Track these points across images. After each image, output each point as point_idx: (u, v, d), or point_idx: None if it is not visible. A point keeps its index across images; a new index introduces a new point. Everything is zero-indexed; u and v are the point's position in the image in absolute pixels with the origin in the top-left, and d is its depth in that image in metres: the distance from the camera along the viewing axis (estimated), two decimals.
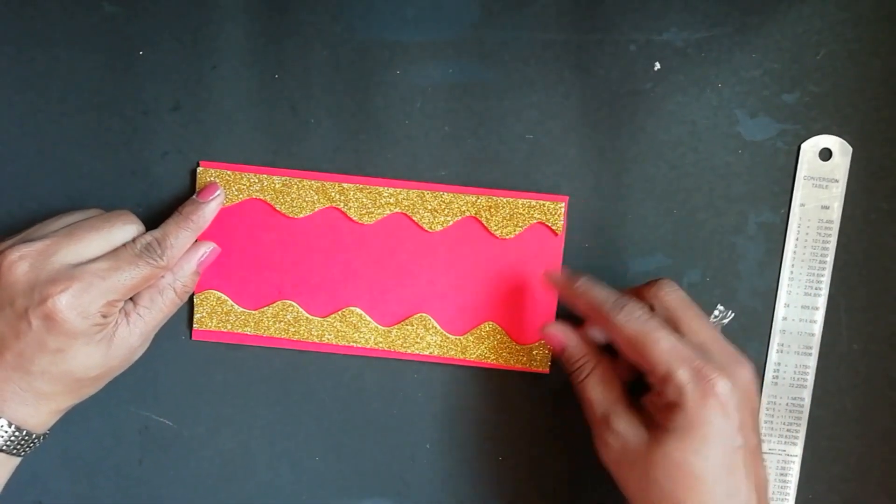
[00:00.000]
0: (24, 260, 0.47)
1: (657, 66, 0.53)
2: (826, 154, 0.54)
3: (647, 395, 0.49)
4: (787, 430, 0.55)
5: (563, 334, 0.52)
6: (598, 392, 0.49)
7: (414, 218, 0.54)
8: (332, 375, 0.56)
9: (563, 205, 0.53)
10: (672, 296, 0.49)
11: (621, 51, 0.53)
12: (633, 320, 0.47)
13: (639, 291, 0.51)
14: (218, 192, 0.53)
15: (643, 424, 0.47)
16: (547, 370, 0.55)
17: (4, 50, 0.54)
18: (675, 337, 0.47)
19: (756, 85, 0.53)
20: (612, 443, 0.48)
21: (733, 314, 0.53)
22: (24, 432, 0.48)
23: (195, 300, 0.55)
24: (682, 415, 0.45)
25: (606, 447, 0.48)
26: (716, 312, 0.52)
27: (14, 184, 0.54)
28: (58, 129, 0.54)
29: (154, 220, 0.54)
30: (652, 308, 0.49)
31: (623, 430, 0.48)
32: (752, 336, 0.55)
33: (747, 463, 0.45)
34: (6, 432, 0.48)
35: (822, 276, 0.55)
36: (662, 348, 0.46)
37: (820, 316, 0.55)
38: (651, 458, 0.46)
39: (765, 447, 0.56)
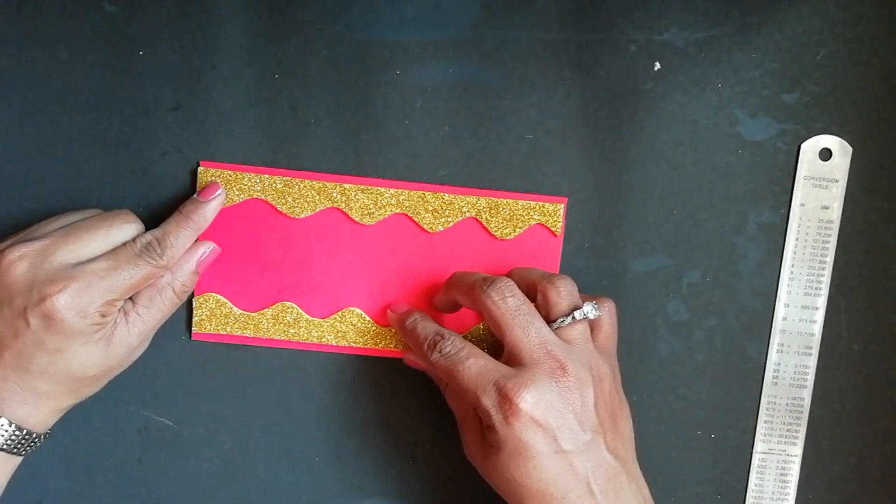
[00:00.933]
0: (22, 259, 0.47)
1: (657, 65, 0.54)
2: (826, 154, 0.54)
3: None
4: (787, 430, 0.55)
5: (417, 360, 0.53)
6: (454, 402, 0.52)
7: (415, 219, 0.54)
8: (331, 376, 0.56)
9: (562, 206, 0.53)
10: (499, 306, 0.49)
11: (621, 51, 0.53)
12: (443, 357, 0.49)
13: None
14: (219, 192, 0.52)
15: (484, 437, 0.49)
16: None
17: (4, 50, 0.54)
18: (483, 361, 0.48)
19: (756, 85, 0.53)
20: (467, 450, 0.51)
21: (597, 313, 0.51)
22: (25, 431, 0.48)
23: (194, 303, 0.54)
24: (495, 434, 0.46)
25: (464, 446, 0.51)
26: (580, 307, 0.50)
27: (14, 184, 0.54)
28: (58, 129, 0.54)
29: (154, 220, 0.54)
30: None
31: (469, 437, 0.50)
32: (752, 336, 0.55)
33: (582, 462, 0.46)
34: (6, 431, 0.48)
35: (822, 276, 0.55)
36: (469, 375, 0.47)
37: (820, 316, 0.55)
38: (487, 467, 0.48)
39: (765, 447, 0.56)
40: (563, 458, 0.46)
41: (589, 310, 0.49)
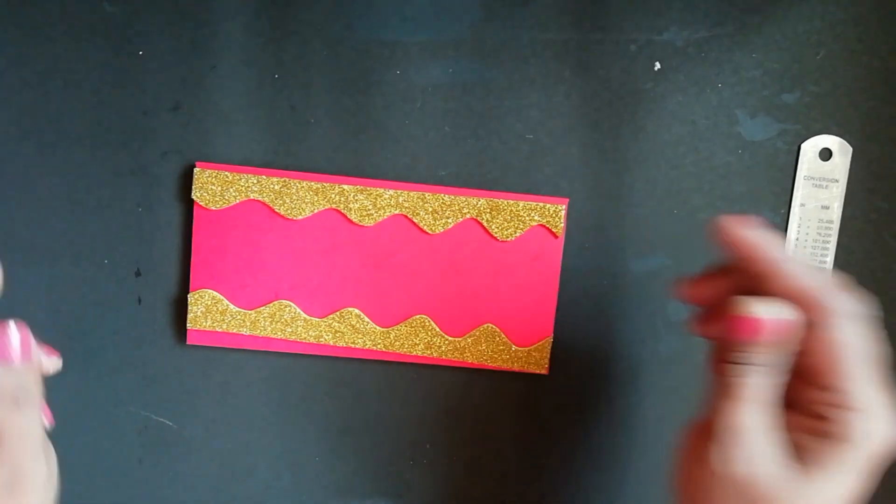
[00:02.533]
0: None
1: (657, 65, 0.54)
2: (826, 154, 0.54)
3: (810, 420, 0.39)
4: None
5: (774, 318, 0.39)
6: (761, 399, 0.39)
7: (414, 220, 0.53)
8: (331, 376, 0.56)
9: (563, 207, 0.53)
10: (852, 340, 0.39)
11: (622, 50, 0.53)
12: (849, 332, 0.39)
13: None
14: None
15: (789, 452, 0.39)
16: (546, 371, 0.55)
17: (4, 50, 0.54)
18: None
19: (756, 85, 0.53)
20: (738, 460, 0.38)
21: None
22: None
23: (189, 299, 0.54)
24: (852, 454, 0.38)
25: (722, 463, 0.38)
26: None
27: (14, 184, 0.54)
28: (57, 129, 0.54)
29: (153, 220, 0.54)
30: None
31: (761, 451, 0.38)
32: None
33: None
34: None
35: None
36: (863, 381, 0.38)
37: None
38: (790, 491, 0.37)
39: None
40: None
41: None
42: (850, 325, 0.39)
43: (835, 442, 0.38)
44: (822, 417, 0.38)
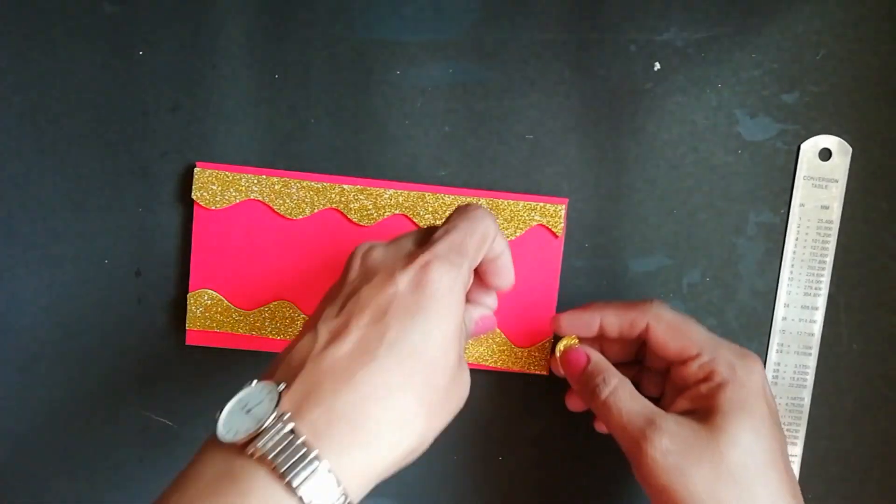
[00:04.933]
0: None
1: (657, 66, 0.54)
2: (826, 154, 0.54)
3: (680, 394, 0.47)
4: (787, 430, 0.55)
5: (589, 352, 0.49)
6: (633, 401, 0.46)
7: (414, 220, 0.53)
8: None
9: (563, 207, 0.53)
10: (670, 311, 0.48)
11: (621, 51, 0.53)
12: (667, 309, 0.48)
13: (630, 307, 0.49)
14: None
15: (693, 417, 0.44)
16: (546, 372, 0.55)
17: (4, 50, 0.54)
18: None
19: (756, 85, 0.53)
20: (669, 444, 0.43)
21: None
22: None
23: (188, 299, 0.54)
24: (740, 389, 0.44)
25: (661, 452, 0.43)
26: None
27: (14, 184, 0.54)
28: (57, 129, 0.54)
29: (153, 220, 0.54)
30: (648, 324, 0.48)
31: (676, 427, 0.44)
32: (752, 336, 0.55)
33: (785, 458, 0.44)
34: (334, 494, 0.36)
35: (822, 276, 0.55)
36: (702, 331, 0.46)
37: (820, 316, 0.55)
38: (721, 446, 0.42)
39: None
40: (783, 440, 0.45)
41: None
42: (666, 311, 0.47)
43: (718, 390, 0.44)
44: (699, 381, 0.46)
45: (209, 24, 0.54)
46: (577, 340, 0.50)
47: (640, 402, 0.46)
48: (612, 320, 0.48)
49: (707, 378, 0.45)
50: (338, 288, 0.41)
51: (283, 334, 0.55)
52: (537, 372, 0.55)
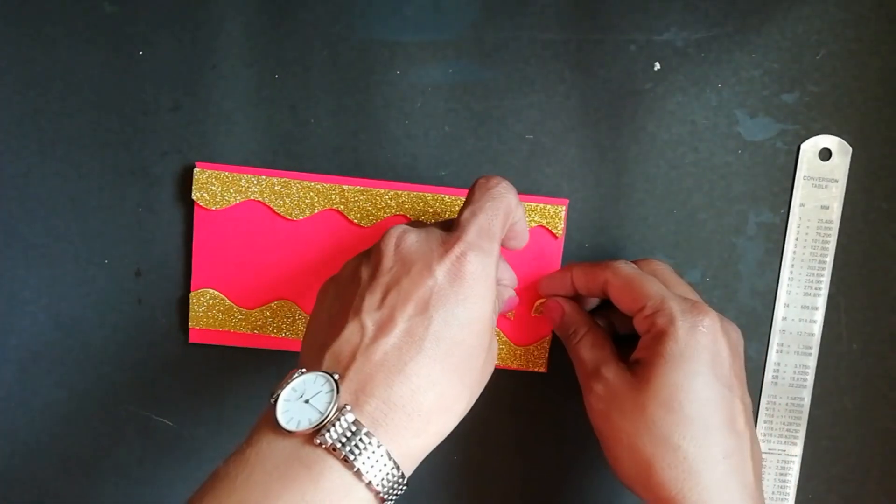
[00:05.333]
0: None
1: (657, 65, 0.54)
2: (826, 154, 0.54)
3: (635, 347, 0.48)
4: (787, 430, 0.56)
5: (560, 303, 0.52)
6: (590, 351, 0.49)
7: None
8: None
9: (563, 208, 0.53)
10: (661, 266, 0.51)
11: (621, 51, 0.53)
12: (626, 266, 0.49)
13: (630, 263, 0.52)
14: None
15: (631, 370, 0.47)
16: (545, 370, 0.55)
17: (4, 50, 0.54)
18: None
19: (756, 85, 0.53)
20: (602, 391, 0.47)
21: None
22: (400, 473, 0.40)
23: (191, 298, 0.54)
24: (674, 342, 0.44)
25: (595, 398, 0.47)
26: None
27: (14, 184, 0.54)
28: (57, 129, 0.54)
29: (153, 219, 0.54)
30: None
31: (612, 376, 0.47)
32: (752, 336, 0.55)
33: (743, 420, 0.45)
34: (388, 472, 0.39)
35: (822, 276, 0.55)
36: (654, 285, 0.47)
37: (820, 316, 0.55)
38: (643, 397, 0.45)
39: (765, 447, 0.56)
40: (733, 408, 0.45)
41: None
42: (623, 267, 0.49)
43: (656, 341, 0.45)
44: (644, 332, 0.47)
45: (209, 24, 0.54)
46: None
47: (597, 351, 0.49)
48: (580, 279, 0.51)
49: (649, 329, 0.46)
50: (373, 273, 0.43)
51: (284, 333, 0.55)
52: (536, 370, 0.55)
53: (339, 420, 0.38)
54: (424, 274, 0.41)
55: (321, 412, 0.38)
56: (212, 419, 0.56)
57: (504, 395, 0.56)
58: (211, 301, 0.54)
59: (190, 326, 0.55)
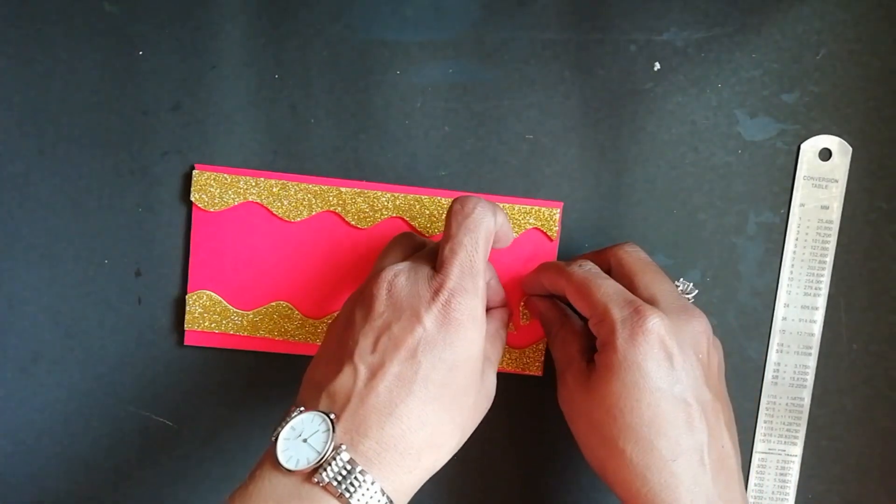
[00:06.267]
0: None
1: (657, 66, 0.53)
2: (826, 154, 0.54)
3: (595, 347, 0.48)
4: (787, 430, 0.55)
5: (538, 301, 0.53)
6: (559, 349, 0.50)
7: (411, 223, 0.53)
8: None
9: (558, 210, 0.53)
10: (630, 256, 0.49)
11: (621, 51, 0.53)
12: (580, 270, 0.48)
13: (600, 253, 0.51)
14: None
15: (589, 374, 0.46)
16: (540, 373, 0.55)
17: (4, 50, 0.54)
18: (620, 286, 0.47)
19: (756, 85, 0.53)
20: (562, 392, 0.48)
21: (696, 290, 0.52)
22: None
23: (187, 299, 0.54)
24: (614, 353, 0.44)
25: (560, 398, 0.49)
26: (676, 283, 0.51)
27: (14, 184, 0.54)
28: (57, 129, 0.54)
29: (153, 220, 0.54)
30: (610, 268, 0.50)
31: (570, 379, 0.47)
32: (752, 336, 0.55)
33: (698, 417, 0.44)
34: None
35: (822, 276, 0.55)
36: (604, 291, 0.46)
37: (820, 316, 0.55)
38: (589, 403, 0.45)
39: (765, 447, 0.56)
40: (682, 409, 0.44)
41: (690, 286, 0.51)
42: (576, 271, 0.48)
43: (602, 351, 0.45)
44: (596, 339, 0.46)
45: (209, 24, 0.54)
46: None
47: (565, 349, 0.50)
48: (547, 281, 0.51)
49: (598, 337, 0.46)
50: (366, 317, 0.44)
51: (280, 335, 0.55)
52: (532, 373, 0.55)
53: (335, 459, 0.40)
54: (413, 321, 0.43)
55: (318, 451, 0.41)
56: (211, 419, 0.56)
57: (500, 397, 0.55)
58: (208, 303, 0.54)
59: (185, 329, 0.55)
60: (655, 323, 0.44)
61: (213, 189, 0.53)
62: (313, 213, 0.54)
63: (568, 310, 0.53)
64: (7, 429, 0.56)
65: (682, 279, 0.51)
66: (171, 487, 0.57)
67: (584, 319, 0.48)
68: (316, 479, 0.40)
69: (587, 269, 0.48)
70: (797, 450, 0.56)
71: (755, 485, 0.56)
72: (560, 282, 0.49)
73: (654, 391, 0.43)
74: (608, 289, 0.46)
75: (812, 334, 0.55)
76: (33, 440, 0.56)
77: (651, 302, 0.46)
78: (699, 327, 0.46)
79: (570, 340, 0.50)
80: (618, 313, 0.45)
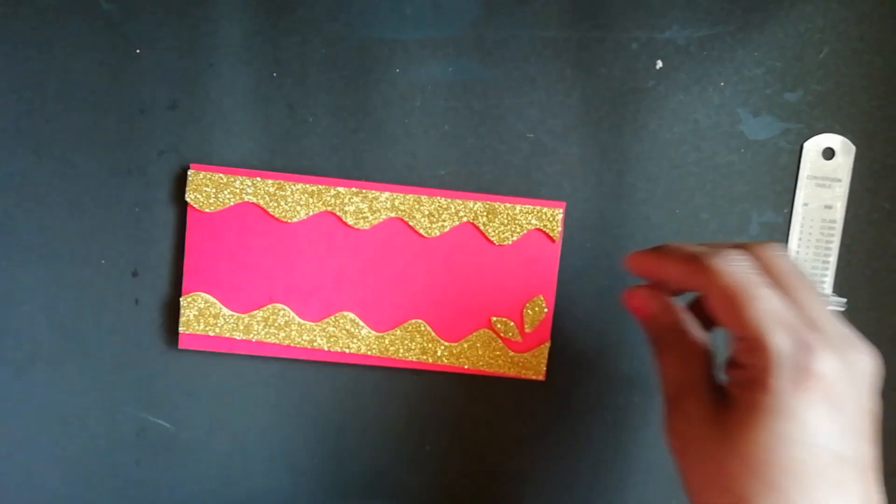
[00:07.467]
0: None
1: (659, 64, 0.53)
2: (829, 153, 0.53)
3: (730, 372, 0.39)
4: None
5: (651, 299, 0.44)
6: (676, 367, 0.41)
7: (410, 223, 0.53)
8: (329, 379, 0.55)
9: (560, 211, 0.53)
10: (783, 263, 0.39)
11: (623, 49, 0.53)
12: (733, 269, 0.38)
13: (737, 247, 0.40)
14: None
15: (720, 408, 0.38)
16: (543, 377, 0.55)
17: (0, 49, 0.53)
18: (784, 301, 0.37)
19: (759, 83, 0.53)
20: (680, 427, 0.40)
21: (846, 302, 0.48)
22: None
23: (181, 302, 0.54)
24: (766, 394, 0.36)
25: (672, 430, 0.40)
26: (827, 298, 0.46)
27: (11, 183, 0.54)
28: (54, 128, 0.54)
29: (151, 219, 0.54)
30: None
31: (693, 410, 0.39)
32: None
33: (848, 482, 0.35)
34: None
35: (825, 275, 0.54)
36: (762, 307, 0.36)
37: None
38: (718, 447, 0.37)
39: None
40: (837, 467, 0.35)
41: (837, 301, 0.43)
42: (725, 273, 0.38)
43: (748, 387, 0.37)
44: (740, 366, 0.38)
45: (207, 22, 0.53)
46: None
47: (684, 370, 0.41)
48: (671, 271, 0.41)
49: (744, 365, 0.38)
50: None
51: (276, 338, 0.54)
52: (534, 377, 0.55)
53: None
54: None
55: None
56: (210, 421, 0.56)
57: (502, 401, 0.55)
58: (203, 305, 0.54)
59: (180, 332, 0.54)
60: (827, 366, 0.35)
61: (209, 189, 0.53)
62: (310, 213, 0.53)
63: (687, 313, 0.44)
64: (3, 430, 0.56)
65: (832, 293, 0.46)
66: (167, 489, 0.57)
67: (705, 324, 0.42)
68: None
69: (743, 270, 0.38)
70: None
71: None
72: (699, 278, 0.39)
73: (810, 447, 0.35)
74: (770, 305, 0.37)
75: None
76: (29, 441, 0.56)
77: (811, 329, 0.37)
78: (869, 367, 0.37)
79: (693, 359, 0.41)
80: (780, 344, 0.36)
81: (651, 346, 0.44)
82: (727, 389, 0.39)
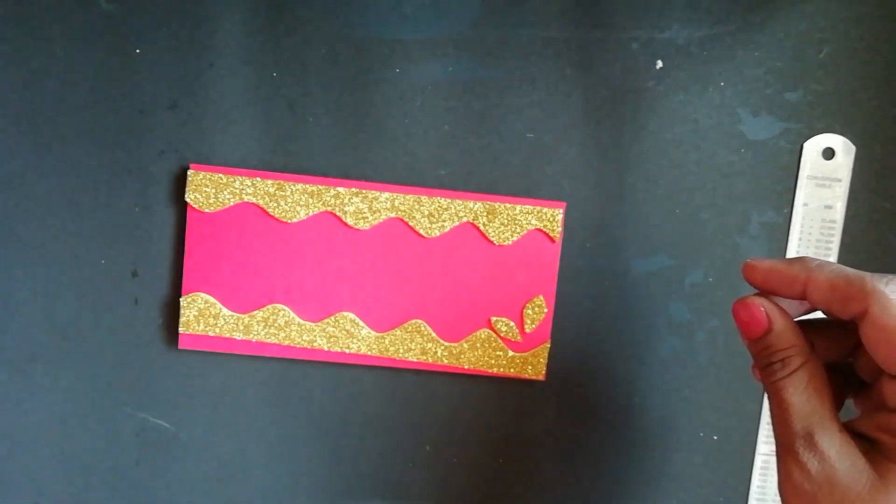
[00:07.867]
0: None
1: (659, 63, 0.53)
2: (829, 153, 0.53)
3: (871, 414, 0.36)
4: None
5: (769, 312, 0.38)
6: (802, 397, 0.36)
7: (410, 223, 0.53)
8: (329, 378, 0.55)
9: (560, 211, 0.53)
10: None
11: (623, 48, 0.53)
12: None
13: (847, 281, 0.35)
14: None
15: (862, 453, 0.34)
16: (543, 377, 0.54)
17: (1, 49, 0.53)
18: None
19: (759, 83, 0.53)
20: (811, 469, 0.34)
21: None
22: None
23: (182, 302, 0.54)
24: None
25: (800, 471, 0.35)
26: None
27: (11, 183, 0.54)
28: (54, 128, 0.54)
29: (150, 219, 0.54)
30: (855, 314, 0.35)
31: (833, 454, 0.34)
32: None
33: None
34: None
35: None
36: None
37: (822, 316, 0.54)
38: (876, 499, 0.33)
39: (768, 449, 0.55)
40: None
41: None
42: (893, 303, 0.33)
43: None
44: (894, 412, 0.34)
45: (206, 22, 0.53)
46: None
47: (814, 402, 0.36)
48: (821, 290, 0.36)
49: (890, 405, 0.34)
50: None
51: (276, 338, 0.54)
52: (534, 377, 0.54)
53: None
54: None
55: None
56: (209, 421, 0.56)
57: (503, 402, 0.55)
58: (203, 306, 0.54)
59: (179, 332, 0.54)
60: None
61: (209, 189, 0.53)
62: (310, 213, 0.53)
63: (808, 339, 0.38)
64: (3, 430, 0.56)
65: None
66: (168, 490, 0.57)
67: (833, 348, 0.38)
68: None
69: None
70: None
71: (758, 486, 0.56)
72: (855, 303, 0.34)
73: None
74: None
75: None
76: (29, 441, 0.56)
77: None
78: None
79: (819, 390, 0.36)
80: None
81: (762, 370, 0.38)
82: (873, 432, 0.35)
